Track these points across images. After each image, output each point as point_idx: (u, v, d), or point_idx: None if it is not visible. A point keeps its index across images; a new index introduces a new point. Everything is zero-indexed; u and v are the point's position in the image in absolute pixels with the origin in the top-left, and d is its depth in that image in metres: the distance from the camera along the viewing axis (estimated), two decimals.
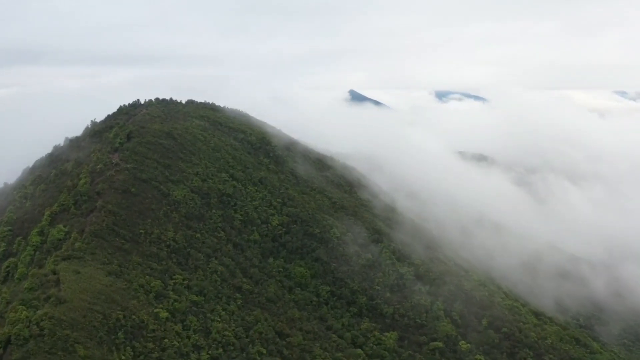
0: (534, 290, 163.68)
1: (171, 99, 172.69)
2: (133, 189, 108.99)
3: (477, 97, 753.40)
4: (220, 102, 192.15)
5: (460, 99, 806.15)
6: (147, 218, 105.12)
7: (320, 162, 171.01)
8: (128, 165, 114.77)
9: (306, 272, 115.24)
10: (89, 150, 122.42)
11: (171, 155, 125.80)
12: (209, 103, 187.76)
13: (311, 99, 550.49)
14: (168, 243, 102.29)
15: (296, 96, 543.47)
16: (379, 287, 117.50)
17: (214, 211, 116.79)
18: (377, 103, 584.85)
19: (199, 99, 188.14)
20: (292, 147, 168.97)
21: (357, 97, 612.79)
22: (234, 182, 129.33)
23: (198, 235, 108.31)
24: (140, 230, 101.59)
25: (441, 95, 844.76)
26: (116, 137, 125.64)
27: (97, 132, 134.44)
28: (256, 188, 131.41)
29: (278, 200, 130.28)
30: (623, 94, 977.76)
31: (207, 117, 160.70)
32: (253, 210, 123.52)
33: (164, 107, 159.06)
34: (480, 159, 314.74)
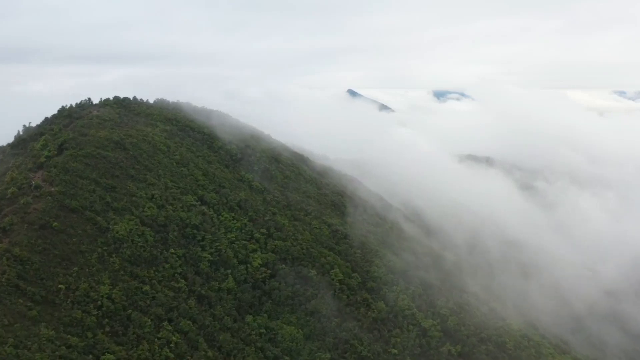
0: (569, 325, 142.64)
1: (134, 97, 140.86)
2: (56, 224, 77.76)
3: (475, 97, 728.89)
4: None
5: (458, 99, 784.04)
6: (72, 266, 74.09)
7: (318, 176, 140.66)
8: (53, 189, 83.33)
9: (298, 332, 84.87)
10: (6, 167, 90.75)
11: (118, 172, 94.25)
12: (184, 103, 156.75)
13: (309, 98, 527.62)
14: (100, 303, 71.35)
15: (294, 95, 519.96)
16: (396, 351, 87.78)
17: (172, 251, 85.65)
18: (375, 102, 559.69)
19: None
20: (283, 158, 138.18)
21: (355, 97, 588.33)
22: (204, 207, 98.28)
23: (146, 287, 77.31)
24: (60, 285, 70.68)
25: (439, 95, 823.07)
26: (44, 147, 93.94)
27: (23, 141, 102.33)
28: (233, 215, 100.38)
29: (262, 230, 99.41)
30: (622, 93, 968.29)
31: (176, 121, 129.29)
32: (228, 246, 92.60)
33: (122, 109, 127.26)
34: (481, 161, 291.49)
